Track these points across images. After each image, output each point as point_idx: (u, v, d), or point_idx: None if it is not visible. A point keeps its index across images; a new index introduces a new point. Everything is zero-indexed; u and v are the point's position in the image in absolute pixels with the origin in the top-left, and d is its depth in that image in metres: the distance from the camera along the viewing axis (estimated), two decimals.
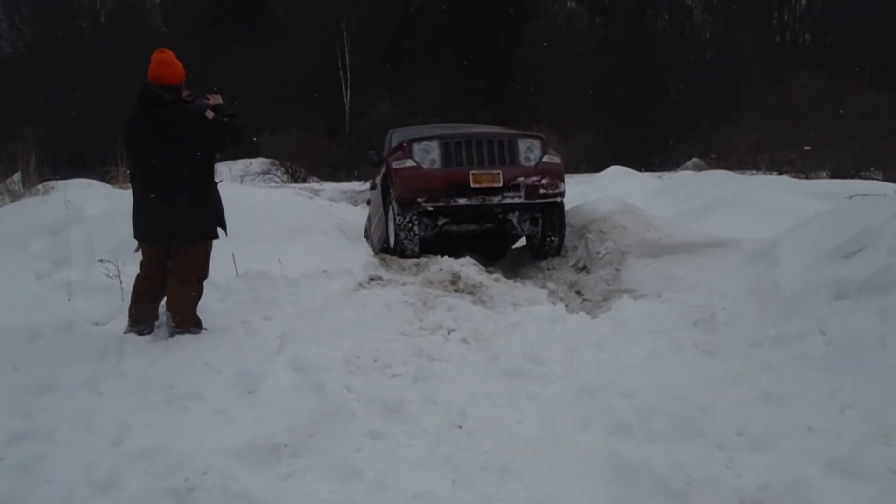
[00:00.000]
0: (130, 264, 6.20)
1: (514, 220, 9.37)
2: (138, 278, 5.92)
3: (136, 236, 5.86)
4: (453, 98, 36.54)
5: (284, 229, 8.46)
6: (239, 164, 30.28)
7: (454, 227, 9.36)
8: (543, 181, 9.03)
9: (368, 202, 12.75)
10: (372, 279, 7.78)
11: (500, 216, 9.35)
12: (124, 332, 5.78)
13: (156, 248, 5.82)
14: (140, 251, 5.97)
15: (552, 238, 9.47)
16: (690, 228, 10.17)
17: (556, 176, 9.19)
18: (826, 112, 24.82)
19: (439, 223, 9.18)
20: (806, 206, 11.36)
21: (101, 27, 48.80)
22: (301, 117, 35.79)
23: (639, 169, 24.70)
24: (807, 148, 23.40)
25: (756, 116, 27.60)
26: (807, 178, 20.94)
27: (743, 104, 30.23)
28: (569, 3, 51.09)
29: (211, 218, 5.85)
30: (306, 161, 32.18)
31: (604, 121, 37.59)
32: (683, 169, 28.62)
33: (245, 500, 3.63)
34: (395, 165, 9.08)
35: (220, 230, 5.93)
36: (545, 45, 44.70)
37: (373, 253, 9.36)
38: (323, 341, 5.55)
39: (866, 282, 5.38)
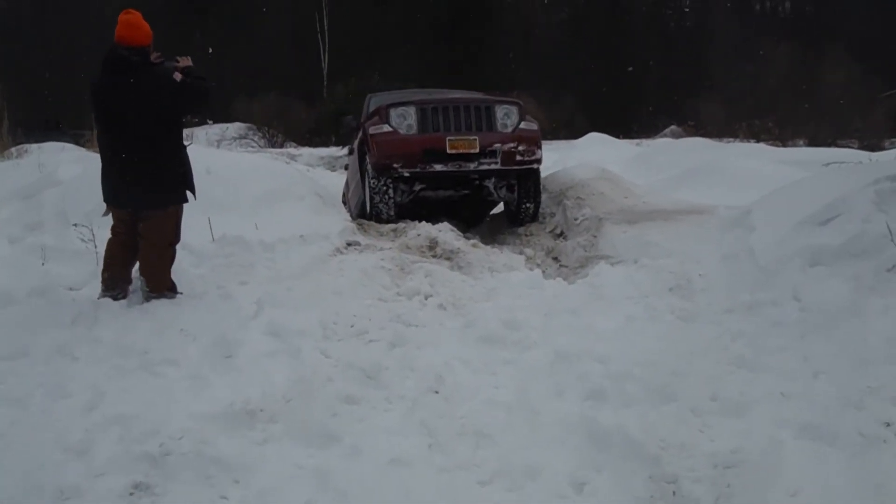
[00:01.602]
0: (104, 228, 6.12)
1: (491, 187, 9.32)
2: (110, 242, 5.86)
3: (105, 200, 5.80)
4: (432, 64, 36.37)
5: (261, 194, 8.38)
6: (215, 129, 30.08)
7: (430, 193, 9.34)
8: (520, 148, 8.94)
9: (346, 167, 12.66)
10: (349, 244, 7.74)
11: (477, 182, 9.31)
12: (98, 298, 5.72)
13: (125, 212, 5.75)
14: (110, 215, 5.90)
15: (528, 205, 9.41)
16: (668, 196, 10.20)
17: (534, 143, 9.10)
18: (803, 81, 24.92)
19: (415, 189, 9.14)
20: (782, 173, 11.40)
21: None
22: (279, 82, 35.53)
23: (617, 136, 24.71)
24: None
25: (734, 85, 27.67)
26: (783, 146, 21.04)
27: (721, 73, 30.28)
28: None
29: (179, 182, 5.77)
30: (283, 126, 32.02)
31: (582, 88, 37.54)
32: (662, 136, 28.69)
33: (220, 465, 3.64)
34: (371, 131, 8.98)
35: (189, 194, 5.86)
36: (524, 12, 44.49)
37: (350, 218, 9.32)
38: (299, 307, 5.53)
39: (841, 249, 5.41)
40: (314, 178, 12.21)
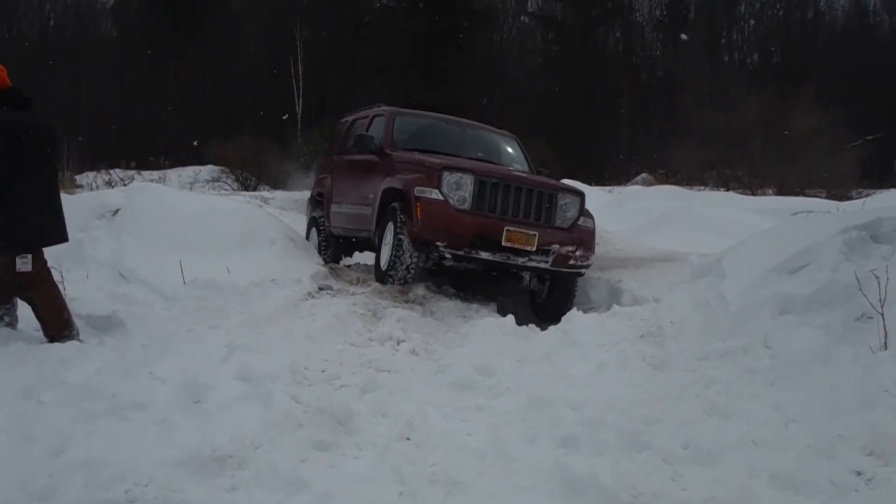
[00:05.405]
0: (74, 270, 6.08)
1: (526, 276, 8.42)
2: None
3: None
4: (407, 106, 36.58)
5: (233, 237, 8.36)
6: (188, 171, 29.96)
7: (455, 265, 8.19)
8: (577, 252, 8.00)
9: (330, 168, 11.13)
10: (321, 289, 7.74)
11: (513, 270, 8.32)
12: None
13: None
14: None
15: (559, 304, 8.21)
16: (640, 242, 10.26)
17: (589, 247, 8.16)
18: (772, 131, 25.30)
19: (446, 263, 8.10)
20: (752, 221, 11.52)
21: (50, 30, 48.08)
22: (252, 125, 35.58)
23: (589, 183, 24.88)
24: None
25: (704, 133, 28.01)
26: (753, 194, 21.30)
27: (691, 121, 30.68)
28: (522, 19, 51.63)
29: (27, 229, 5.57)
30: (257, 169, 31.96)
31: (555, 135, 37.85)
32: (633, 184, 28.93)
33: None
34: (417, 193, 7.79)
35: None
36: (498, 59, 45.02)
37: (322, 263, 9.27)
38: (270, 351, 5.49)
39: (810, 297, 5.48)
40: (287, 221, 12.17)
